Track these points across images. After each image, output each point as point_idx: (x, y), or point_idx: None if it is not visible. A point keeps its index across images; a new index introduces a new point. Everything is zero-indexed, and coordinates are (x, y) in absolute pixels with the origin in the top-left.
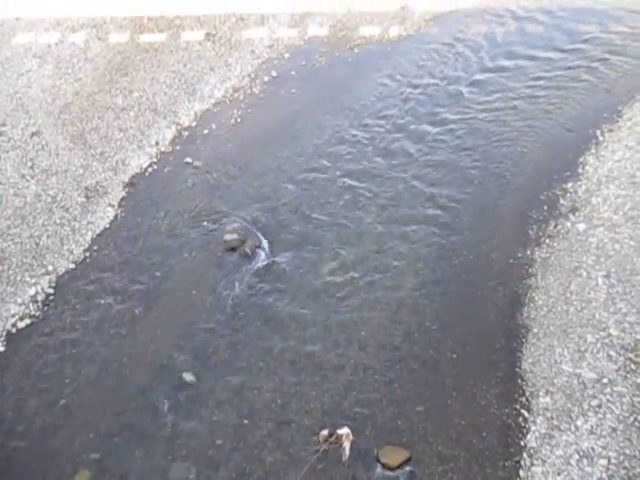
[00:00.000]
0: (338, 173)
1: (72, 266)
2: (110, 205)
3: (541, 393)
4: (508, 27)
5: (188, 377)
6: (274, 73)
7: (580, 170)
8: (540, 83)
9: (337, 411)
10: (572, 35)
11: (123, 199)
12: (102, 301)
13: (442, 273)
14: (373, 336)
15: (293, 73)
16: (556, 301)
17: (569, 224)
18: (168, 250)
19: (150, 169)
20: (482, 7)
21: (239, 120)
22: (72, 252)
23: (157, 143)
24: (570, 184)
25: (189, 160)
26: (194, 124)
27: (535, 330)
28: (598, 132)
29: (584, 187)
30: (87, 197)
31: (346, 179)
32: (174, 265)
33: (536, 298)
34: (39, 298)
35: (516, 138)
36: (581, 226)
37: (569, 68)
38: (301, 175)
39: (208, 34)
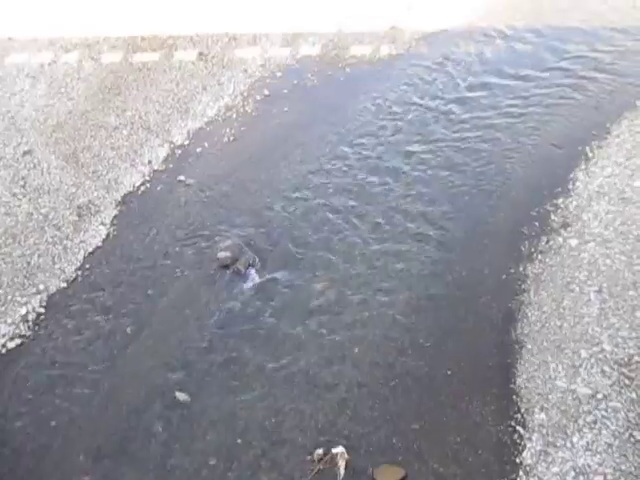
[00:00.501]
0: (330, 191)
1: (64, 285)
2: (102, 223)
3: (536, 409)
4: (497, 46)
5: (181, 396)
6: (266, 92)
7: (570, 186)
8: (529, 101)
9: (332, 429)
10: (560, 54)
11: (115, 217)
12: (94, 320)
13: (435, 289)
14: (367, 353)
15: (285, 92)
16: (549, 316)
17: (561, 239)
18: (161, 268)
19: (143, 187)
20: (471, 27)
21: (232, 138)
22: (64, 271)
23: (150, 162)
24: (561, 200)
25: (182, 178)
26: (187, 142)
27: (529, 346)
28: (587, 149)
29: (575, 203)
30: (79, 215)
31: (338, 197)
32: (167, 283)
33: (529, 314)
34: (30, 318)
35: (506, 155)
36: (573, 242)
37: (557, 86)
38: (293, 193)
39: (201, 53)
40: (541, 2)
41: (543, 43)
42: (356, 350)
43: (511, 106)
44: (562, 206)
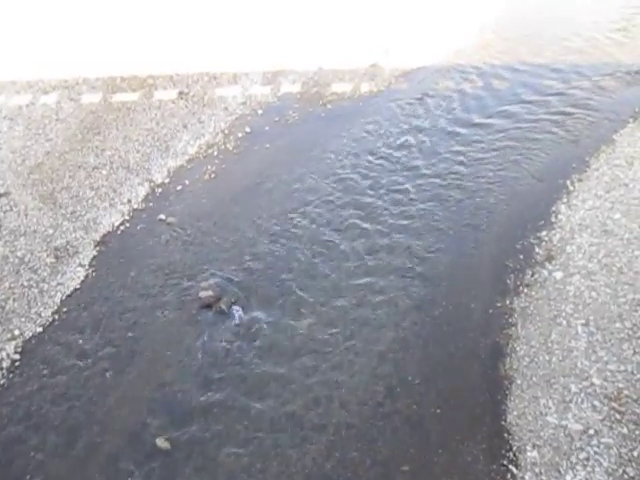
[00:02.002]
0: (314, 226)
1: (40, 330)
2: (80, 265)
3: (528, 447)
4: (475, 83)
5: (162, 443)
6: (248, 129)
7: (553, 219)
8: (509, 135)
9: (320, 474)
10: (537, 90)
11: (94, 258)
12: (71, 365)
13: (422, 325)
14: (354, 393)
15: (267, 129)
16: (538, 351)
17: (546, 272)
18: (141, 309)
19: (122, 227)
20: (449, 64)
21: (213, 176)
22: (40, 315)
23: (129, 201)
24: (544, 233)
25: (162, 217)
26: (167, 181)
27: (518, 381)
28: (568, 182)
29: (558, 235)
30: (57, 257)
31: (322, 233)
32: (147, 325)
33: (517, 348)
34: (4, 365)
35: (489, 189)
36: (558, 274)
37: (536, 121)
38: (277, 230)
39: (181, 92)
40: (515, 40)
41: (519, 79)
42: (343, 390)
43: (492, 141)
44: (546, 239)
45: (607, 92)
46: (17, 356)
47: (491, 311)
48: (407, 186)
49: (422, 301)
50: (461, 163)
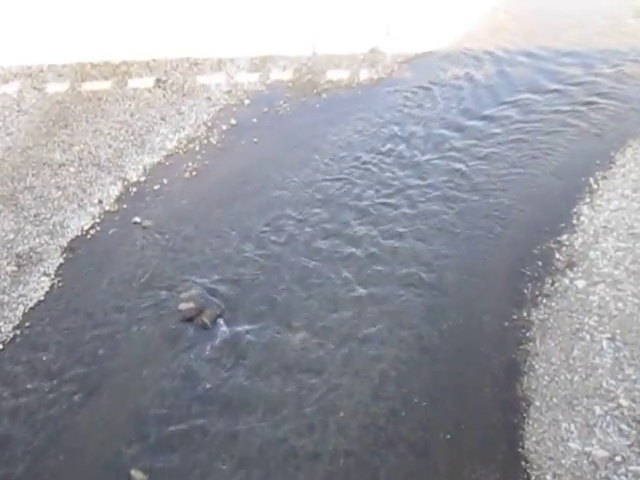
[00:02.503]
0: (308, 230)
1: None
2: (45, 274)
3: (548, 477)
4: (487, 69)
5: (138, 475)
6: (233, 121)
7: (575, 221)
8: (526, 128)
9: None
10: (556, 78)
11: (61, 266)
12: (35, 386)
13: (429, 340)
14: (353, 416)
15: (255, 121)
16: (558, 368)
17: (567, 281)
18: (113, 324)
19: (93, 231)
20: (458, 49)
21: (194, 173)
22: (0, 330)
23: (101, 201)
24: (565, 237)
25: (138, 220)
26: (143, 179)
27: (537, 403)
28: (591, 180)
29: (580, 240)
30: (18, 266)
31: (317, 238)
32: (121, 341)
33: (536, 366)
34: None
35: (504, 188)
36: (580, 283)
37: (556, 112)
38: (266, 234)
39: (158, 80)
40: (530, 22)
41: (537, 66)
42: (341, 413)
43: (506, 134)
44: (567, 244)
45: (633, 80)
46: None
47: (506, 324)
48: (412, 185)
49: (429, 313)
50: (472, 159)
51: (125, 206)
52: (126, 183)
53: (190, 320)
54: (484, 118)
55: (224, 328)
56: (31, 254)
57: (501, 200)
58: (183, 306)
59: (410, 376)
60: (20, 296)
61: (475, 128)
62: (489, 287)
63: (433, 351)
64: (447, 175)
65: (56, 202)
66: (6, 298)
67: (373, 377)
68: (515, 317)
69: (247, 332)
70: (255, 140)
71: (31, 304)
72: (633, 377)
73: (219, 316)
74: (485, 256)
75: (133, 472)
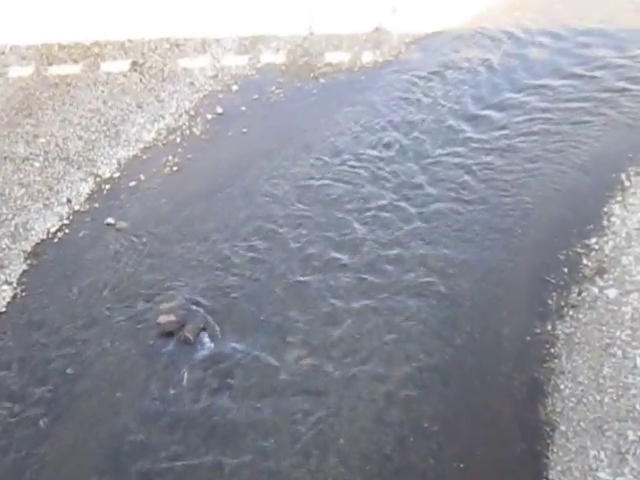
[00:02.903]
0: (303, 233)
1: None
2: (7, 282)
3: None
4: (506, 51)
5: None
6: (219, 110)
7: (605, 222)
8: (549, 117)
9: None
10: (583, 61)
11: (24, 274)
12: None
13: (441, 357)
14: (356, 444)
15: (243, 109)
16: (586, 389)
17: (596, 290)
18: (84, 339)
19: (60, 234)
20: (473, 28)
21: (175, 169)
22: None
23: (69, 201)
24: (594, 240)
25: (111, 221)
26: (117, 175)
27: (562, 427)
28: (623, 176)
29: (611, 243)
30: None
31: (313, 242)
32: (92, 359)
33: (561, 386)
34: None
35: (525, 184)
36: (611, 292)
37: (582, 99)
38: (256, 237)
39: (135, 63)
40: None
41: (562, 48)
42: (342, 440)
43: (527, 124)
44: (596, 247)
45: None
46: None
47: (528, 339)
48: (420, 182)
49: (440, 327)
50: (489, 153)
51: (97, 205)
52: (98, 179)
53: (170, 335)
54: (502, 106)
55: (209, 344)
56: None
57: (522, 199)
58: (162, 319)
59: (419, 398)
60: None
61: (492, 118)
62: (508, 297)
63: (445, 369)
64: (460, 171)
65: (19, 201)
66: None
67: (377, 399)
68: (538, 331)
69: (235, 348)
70: (244, 131)
71: None
72: None
73: (203, 330)
74: (504, 262)
75: None
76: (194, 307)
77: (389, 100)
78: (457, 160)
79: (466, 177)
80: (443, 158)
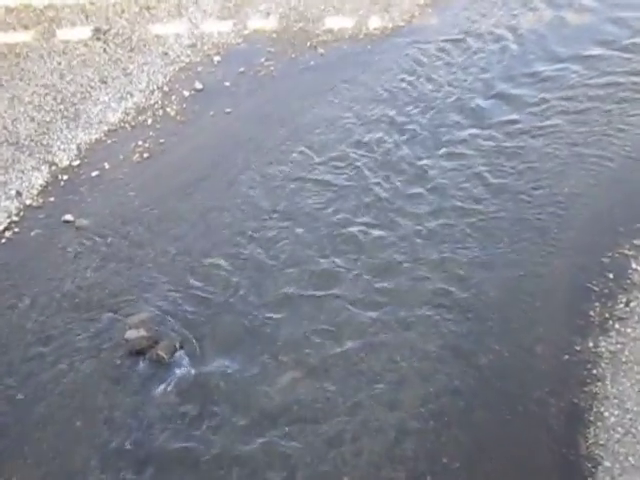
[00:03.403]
0: (298, 232)
1: None
2: None
3: None
4: (540, 15)
5: None
6: (198, 85)
7: None
8: (592, 95)
9: None
10: (632, 28)
11: None
12: None
13: (463, 379)
14: None
15: (227, 85)
16: (636, 417)
17: None
18: (37, 359)
19: (8, 233)
20: None
21: (146, 156)
22: None
23: (19, 194)
24: None
25: (70, 218)
26: (77, 163)
27: (607, 463)
28: None
29: None
30: None
31: (309, 242)
32: (47, 382)
33: (605, 413)
34: None
35: (563, 173)
36: None
37: (632, 74)
38: (241, 237)
39: (97, 30)
40: None
41: (606, 11)
42: (345, 479)
43: (565, 101)
44: None
45: None
46: None
47: (566, 357)
48: (438, 170)
49: (462, 344)
50: (520, 136)
51: (53, 199)
52: (54, 169)
53: (140, 353)
54: (535, 81)
55: (186, 364)
56: None
57: (559, 190)
58: (131, 334)
59: (437, 428)
60: None
61: (523, 95)
62: (543, 308)
63: (468, 394)
64: (485, 158)
65: None
66: None
67: (387, 429)
68: (578, 348)
69: (217, 369)
70: (228, 111)
71: None
72: None
73: (180, 348)
74: (537, 266)
75: None
76: (169, 320)
77: (400, 75)
78: (481, 145)
79: (492, 165)
80: (465, 143)
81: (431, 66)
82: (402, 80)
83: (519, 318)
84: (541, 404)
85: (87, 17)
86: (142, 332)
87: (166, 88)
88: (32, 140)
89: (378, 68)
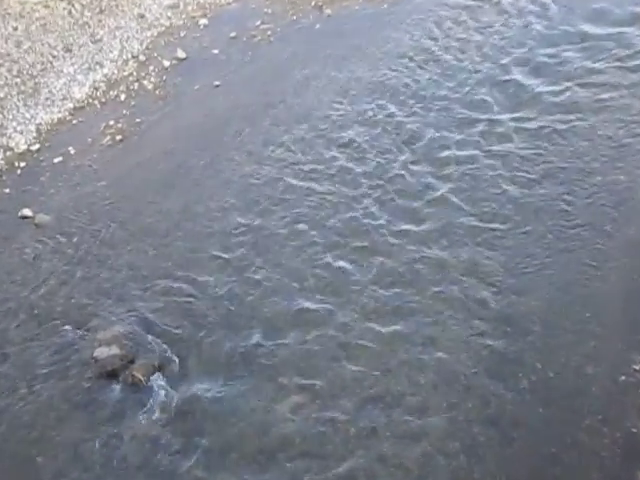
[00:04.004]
0: (300, 228)
1: None
2: None
3: None
4: None
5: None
6: (181, 54)
7: None
8: None
9: None
10: None
11: None
12: None
13: (499, 405)
14: None
15: (215, 52)
16: None
17: None
18: None
19: None
20: None
21: (119, 138)
22: None
23: None
24: None
25: (28, 213)
26: (37, 147)
27: None
28: None
29: None
30: None
31: (313, 241)
32: (2, 409)
33: None
34: None
35: (620, 159)
36: None
37: None
38: (232, 235)
39: None
40: None
41: None
42: None
43: (615, 72)
44: None
45: None
46: None
47: (622, 379)
48: (467, 154)
49: (498, 362)
50: (566, 113)
51: (8, 191)
52: (9, 154)
53: (113, 375)
54: (577, 49)
55: (167, 387)
56: None
57: (613, 178)
58: (101, 352)
59: (468, 463)
60: None
61: (564, 63)
62: (594, 319)
63: (505, 423)
64: (528, 141)
65: None
66: None
67: (409, 466)
68: (636, 367)
69: (205, 394)
70: (216, 84)
71: None
72: None
73: (158, 369)
74: (588, 270)
75: None
76: (145, 335)
77: (422, 40)
78: (522, 125)
79: (532, 148)
80: (500, 124)
81: (458, 30)
82: (424, 47)
83: (566, 332)
84: (593, 434)
85: None
86: (114, 350)
87: (142, 57)
88: None
89: (396, 32)
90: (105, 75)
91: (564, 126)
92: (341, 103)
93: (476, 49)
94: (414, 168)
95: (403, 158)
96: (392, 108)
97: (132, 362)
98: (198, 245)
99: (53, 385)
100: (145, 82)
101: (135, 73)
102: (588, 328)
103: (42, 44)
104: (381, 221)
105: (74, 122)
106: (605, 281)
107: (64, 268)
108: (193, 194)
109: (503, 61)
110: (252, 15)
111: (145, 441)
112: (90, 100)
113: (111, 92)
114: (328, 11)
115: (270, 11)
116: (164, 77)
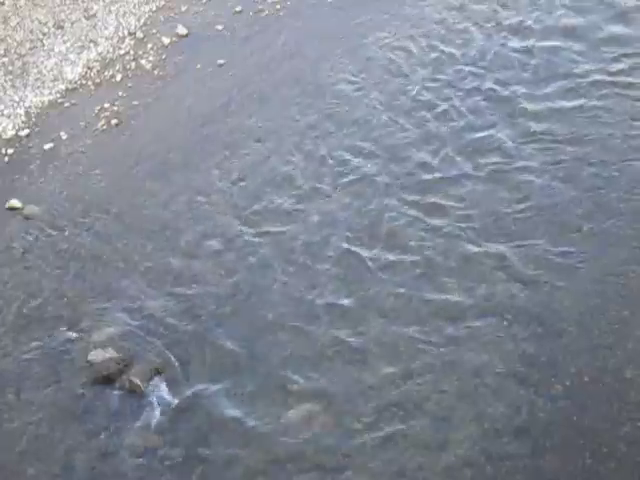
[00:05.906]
0: (315, 220)
1: None
2: None
3: None
4: None
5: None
6: (182, 30)
7: None
8: None
9: None
10: None
11: None
12: None
13: (530, 412)
14: None
15: (219, 29)
16: None
17: None
18: None
19: None
20: None
21: (115, 122)
22: None
23: None
24: None
25: (16, 204)
26: (25, 133)
27: None
28: None
29: None
30: None
31: (332, 234)
32: None
33: None
34: None
35: None
36: None
37: None
38: (238, 226)
39: None
40: None
41: None
42: None
43: None
44: None
45: None
46: None
47: None
48: (501, 136)
49: (529, 366)
50: (592, 95)
51: None
52: None
53: (108, 380)
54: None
55: (167, 394)
56: None
57: None
58: (96, 356)
59: (497, 476)
60: None
61: (601, 44)
62: (634, 318)
63: (537, 432)
64: (561, 121)
65: None
66: None
67: (432, 479)
68: None
69: (208, 401)
70: (220, 63)
71: None
72: None
73: (157, 373)
74: (628, 264)
75: None
76: (144, 337)
77: (443, 14)
78: (543, 103)
79: (567, 130)
80: (538, 102)
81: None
82: (460, 19)
83: (603, 332)
84: (632, 444)
85: None
86: (110, 353)
87: (140, 34)
88: None
89: (413, 8)
90: (100, 54)
91: (609, 104)
92: (365, 79)
93: (519, 11)
94: (447, 154)
95: (429, 148)
96: (411, 86)
97: (129, 366)
98: (200, 237)
99: (44, 392)
100: (143, 61)
101: (132, 51)
102: (626, 328)
103: (31, 20)
104: (404, 215)
105: (66, 105)
106: None
107: (55, 264)
108: (194, 183)
109: (551, 34)
110: None
111: (143, 452)
112: (83, 81)
113: (106, 72)
114: None
115: None
116: (163, 56)
